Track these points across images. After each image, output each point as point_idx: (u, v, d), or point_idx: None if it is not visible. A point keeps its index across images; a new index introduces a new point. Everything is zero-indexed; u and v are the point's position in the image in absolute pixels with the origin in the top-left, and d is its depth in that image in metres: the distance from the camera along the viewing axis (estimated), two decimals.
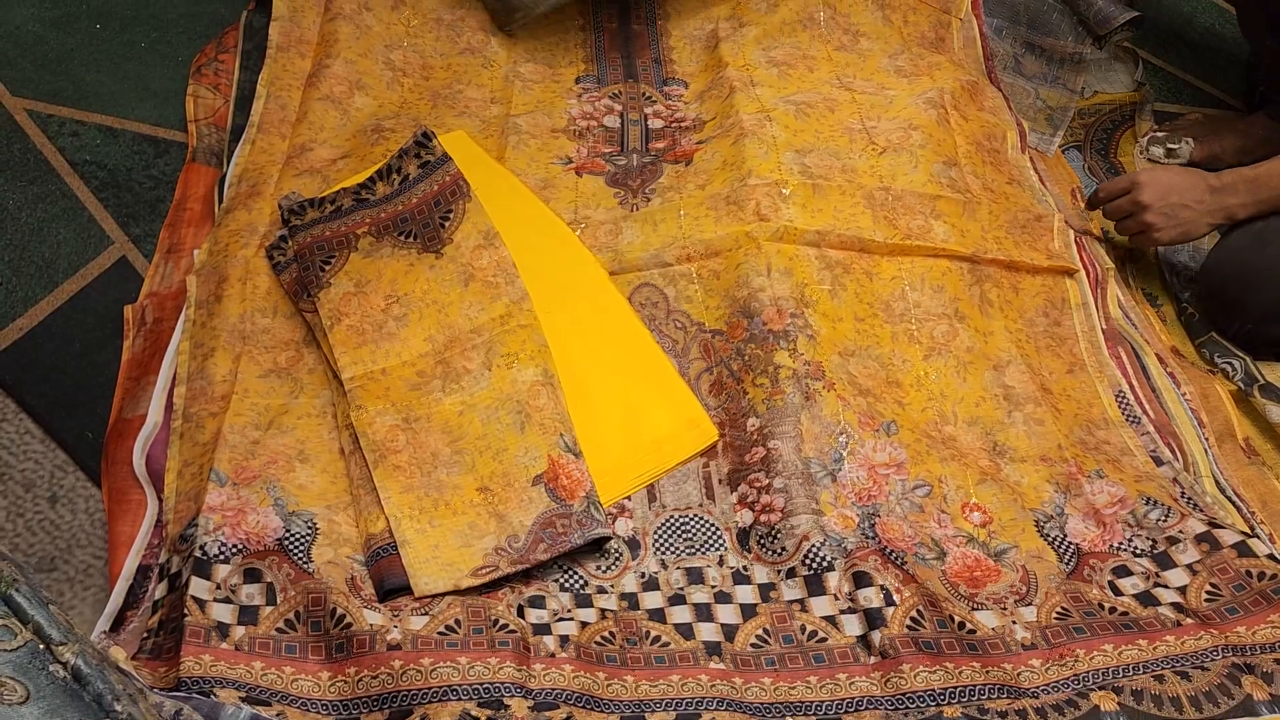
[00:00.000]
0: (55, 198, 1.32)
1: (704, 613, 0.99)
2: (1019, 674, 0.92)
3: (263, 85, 1.40)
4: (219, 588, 0.93)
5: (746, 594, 1.01)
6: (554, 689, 0.89)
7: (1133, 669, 0.93)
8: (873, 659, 0.94)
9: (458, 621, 0.93)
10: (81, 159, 1.37)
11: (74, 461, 1.11)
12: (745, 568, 1.03)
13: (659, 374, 1.15)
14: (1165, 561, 1.04)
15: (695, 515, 1.07)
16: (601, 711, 0.89)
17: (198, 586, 0.91)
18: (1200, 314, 1.32)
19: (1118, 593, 1.02)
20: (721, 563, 1.04)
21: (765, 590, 1.01)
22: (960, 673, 0.92)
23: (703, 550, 1.05)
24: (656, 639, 0.96)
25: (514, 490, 1.03)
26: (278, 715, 0.84)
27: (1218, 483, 1.15)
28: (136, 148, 1.40)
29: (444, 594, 0.96)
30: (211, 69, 1.46)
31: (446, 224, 1.18)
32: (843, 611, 0.98)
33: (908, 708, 0.90)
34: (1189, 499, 1.09)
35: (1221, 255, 1.27)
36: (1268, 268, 1.22)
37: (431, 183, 1.22)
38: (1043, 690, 0.92)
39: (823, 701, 0.92)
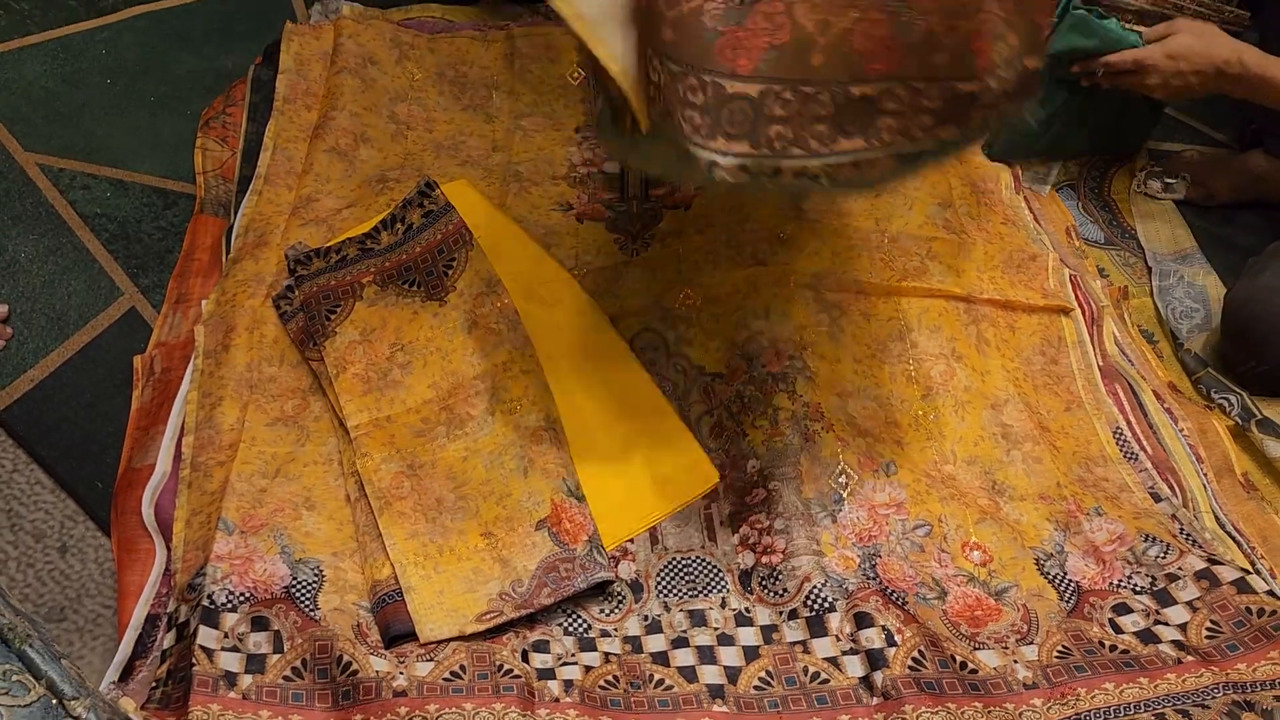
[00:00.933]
0: (66, 250, 1.35)
1: (707, 655, 0.99)
2: (1021, 714, 0.93)
3: (269, 137, 1.43)
4: (226, 636, 0.94)
5: (749, 636, 1.01)
6: None
7: (1134, 707, 0.94)
8: (875, 700, 0.95)
9: (462, 668, 0.93)
10: (92, 211, 1.40)
11: (84, 511, 1.12)
12: (748, 609, 1.04)
13: (660, 417, 1.16)
14: (1165, 599, 1.04)
15: (697, 557, 1.08)
16: None
17: (205, 635, 0.93)
18: (1199, 353, 1.33)
19: (1118, 630, 1.02)
20: (724, 604, 1.04)
21: (768, 632, 1.02)
22: (963, 713, 0.93)
23: (705, 592, 1.05)
24: (660, 682, 0.97)
25: (517, 535, 1.04)
26: None
27: (1217, 518, 1.16)
28: (146, 200, 1.43)
29: (449, 639, 0.97)
30: (219, 122, 1.49)
31: (450, 272, 1.21)
32: (844, 653, 0.99)
33: None
34: (1188, 535, 1.09)
35: (1248, 295, 1.26)
36: None
37: (435, 232, 1.24)
38: None
39: None
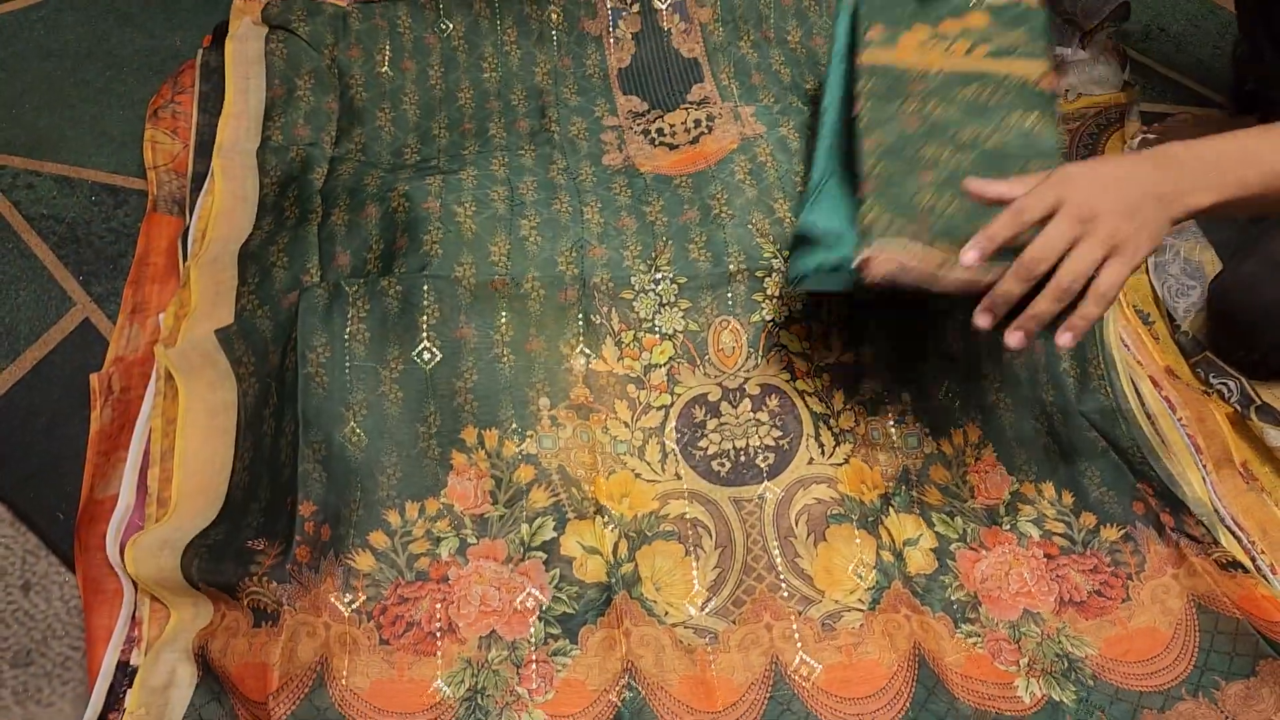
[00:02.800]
0: (13, 257, 1.28)
1: None
2: None
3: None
4: None
5: None
6: None
7: None
8: None
9: None
10: (38, 213, 1.32)
11: (46, 545, 1.07)
12: None
13: None
14: None
15: None
16: None
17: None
18: (1196, 334, 1.29)
19: None
20: None
21: None
22: None
23: None
24: None
25: None
26: None
27: (1217, 511, 1.13)
28: (95, 198, 1.35)
29: None
30: (169, 111, 1.41)
31: None
32: None
33: None
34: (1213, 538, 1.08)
35: (1232, 282, 1.22)
36: None
37: None
38: None
39: None
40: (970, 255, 0.89)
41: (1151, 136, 1.49)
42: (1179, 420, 1.20)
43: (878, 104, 1.12)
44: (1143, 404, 1.21)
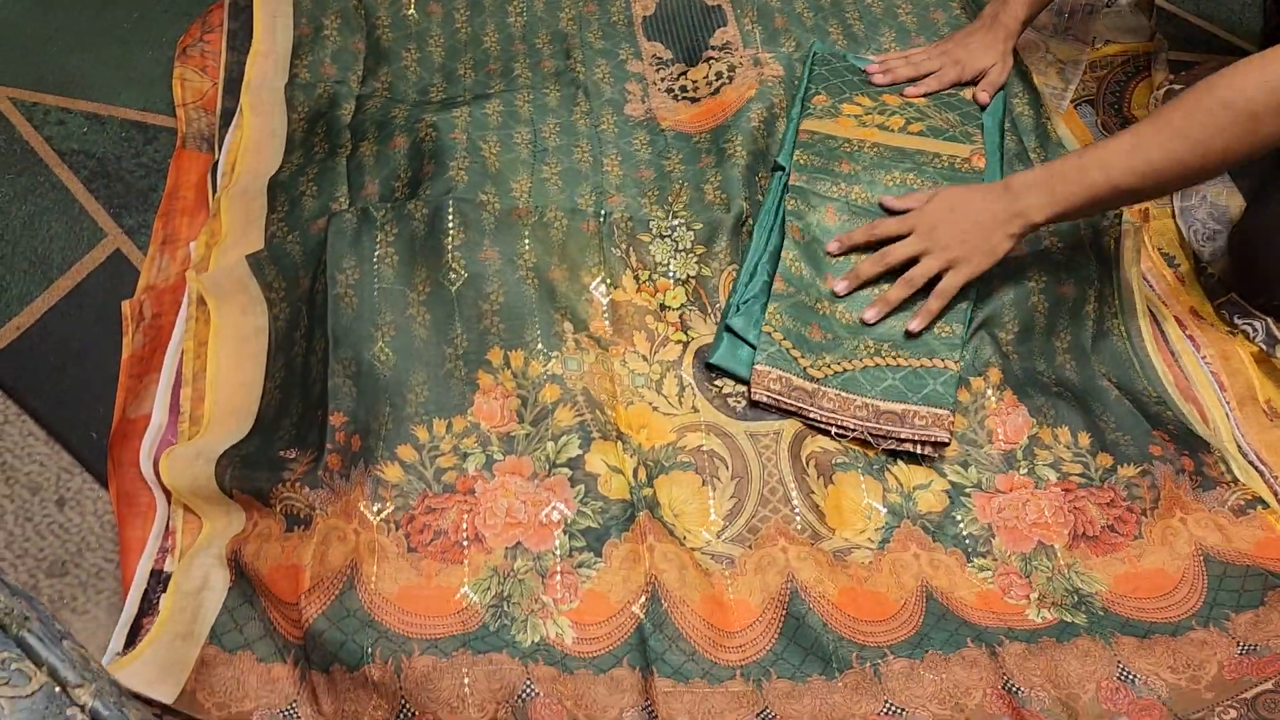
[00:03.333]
0: (45, 190, 1.29)
1: None
2: None
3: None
4: None
5: None
6: None
7: None
8: None
9: None
10: (69, 148, 1.34)
11: (80, 463, 1.09)
12: None
13: None
14: None
15: None
16: None
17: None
18: (1221, 276, 1.29)
19: None
20: None
21: None
22: None
23: None
24: None
25: None
26: None
27: (1239, 447, 1.14)
28: (125, 135, 1.36)
29: None
30: (197, 50, 1.42)
31: None
32: None
33: None
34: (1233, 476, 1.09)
35: (1255, 223, 1.22)
36: None
37: None
38: None
39: None
40: (840, 286, 1.14)
41: (1178, 86, 1.48)
42: (1203, 359, 1.20)
43: (808, 182, 1.21)
44: (1166, 342, 1.21)
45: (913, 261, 1.11)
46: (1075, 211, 1.06)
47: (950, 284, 1.10)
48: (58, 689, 0.51)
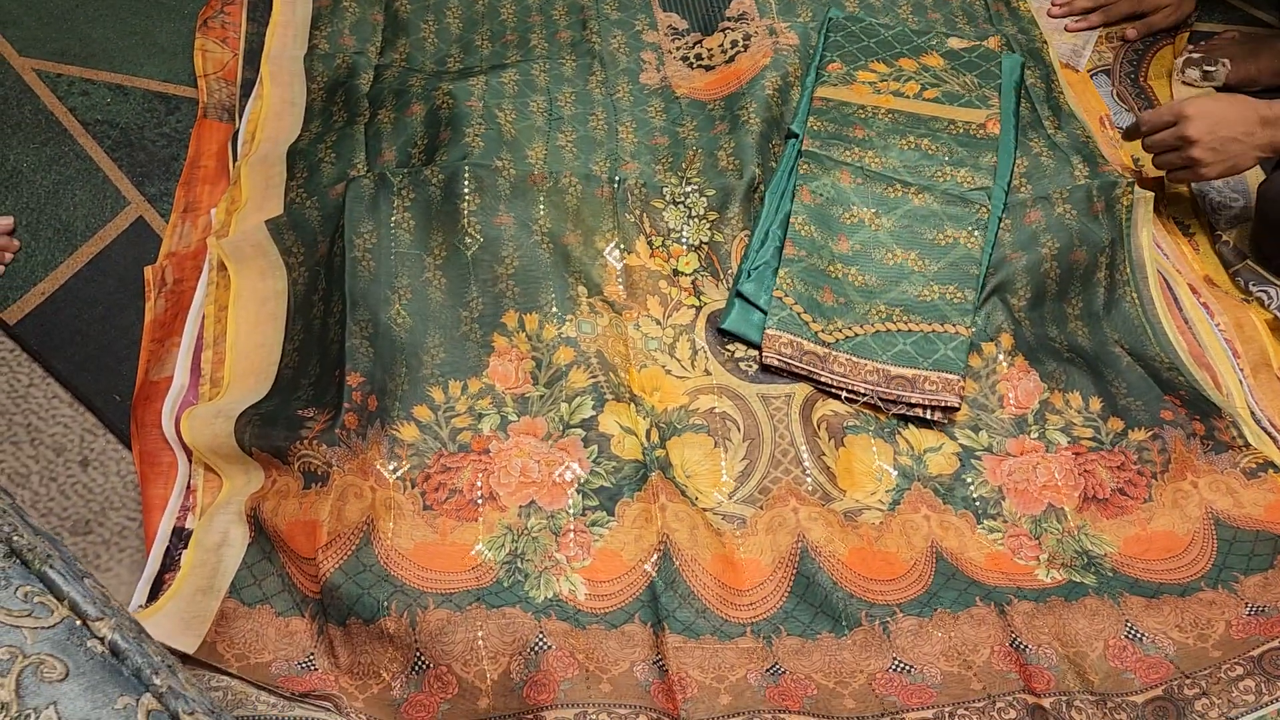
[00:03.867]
0: (69, 159, 1.31)
1: None
2: None
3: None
4: None
5: None
6: None
7: None
8: None
9: None
10: (93, 118, 1.36)
11: (103, 424, 1.11)
12: None
13: None
14: None
15: None
16: None
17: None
18: (1237, 244, 1.29)
19: None
20: None
21: None
22: None
23: None
24: None
25: None
26: None
27: (1253, 413, 1.13)
28: (147, 105, 1.38)
29: None
30: (218, 21, 1.44)
31: None
32: None
33: None
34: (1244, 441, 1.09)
35: None
36: None
37: None
38: None
39: None
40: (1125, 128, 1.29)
41: (1196, 55, 1.47)
42: (1216, 326, 1.20)
43: (821, 147, 1.21)
44: (1180, 309, 1.21)
45: None
46: None
47: (1178, 179, 1.25)
48: (78, 622, 0.53)
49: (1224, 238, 1.30)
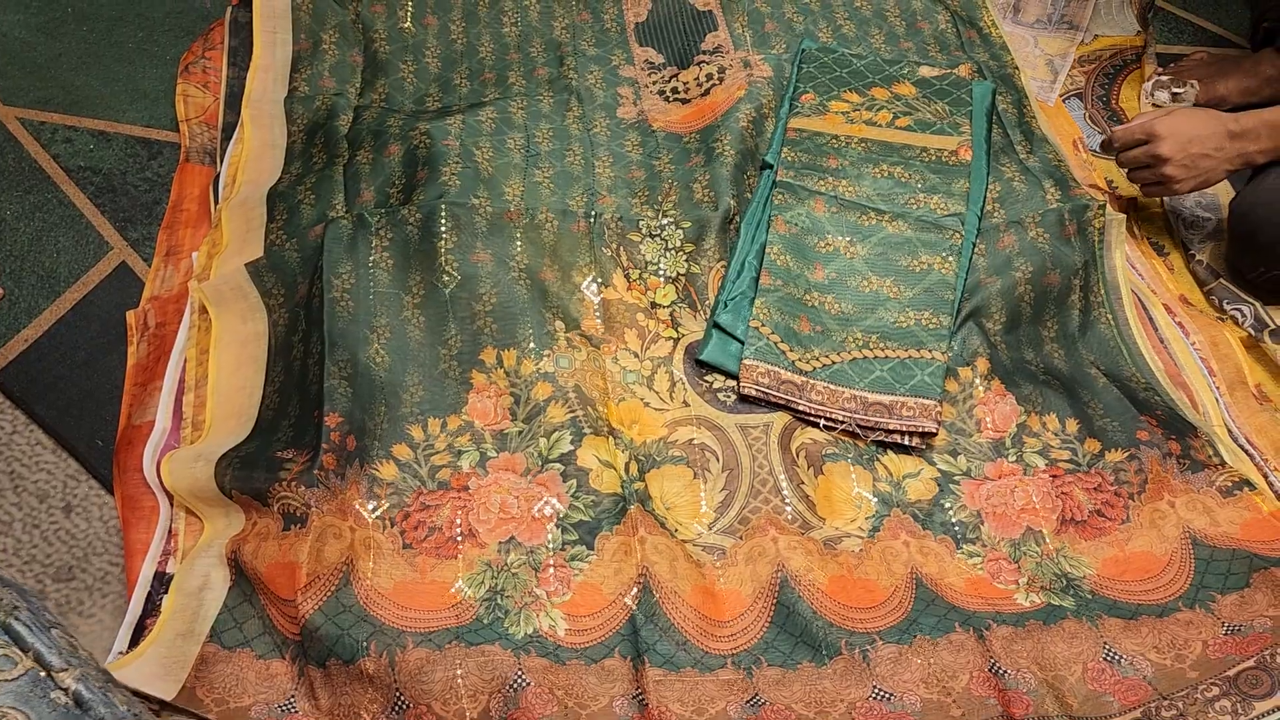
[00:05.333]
0: (52, 206, 1.33)
1: None
2: None
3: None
4: None
5: None
6: None
7: None
8: None
9: None
10: (76, 165, 1.37)
11: (86, 470, 1.12)
12: None
13: None
14: None
15: None
16: None
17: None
18: (1211, 263, 1.30)
19: None
20: None
21: None
22: None
23: None
24: None
25: None
26: None
27: (1230, 431, 1.14)
28: (130, 151, 1.40)
29: None
30: (200, 67, 1.45)
31: None
32: None
33: None
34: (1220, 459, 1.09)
35: (1255, 198, 1.23)
36: None
37: None
38: None
39: None
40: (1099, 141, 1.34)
41: (1165, 78, 1.49)
42: (1192, 344, 1.21)
43: (795, 178, 1.23)
44: (1155, 329, 1.22)
45: None
46: None
47: (1150, 194, 1.27)
48: (43, 673, 0.53)
49: (1198, 256, 1.31)
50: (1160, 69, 1.53)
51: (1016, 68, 1.46)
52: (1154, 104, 1.48)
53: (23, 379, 1.17)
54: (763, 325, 1.11)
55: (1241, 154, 1.20)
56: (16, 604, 0.55)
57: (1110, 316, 1.21)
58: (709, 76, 1.39)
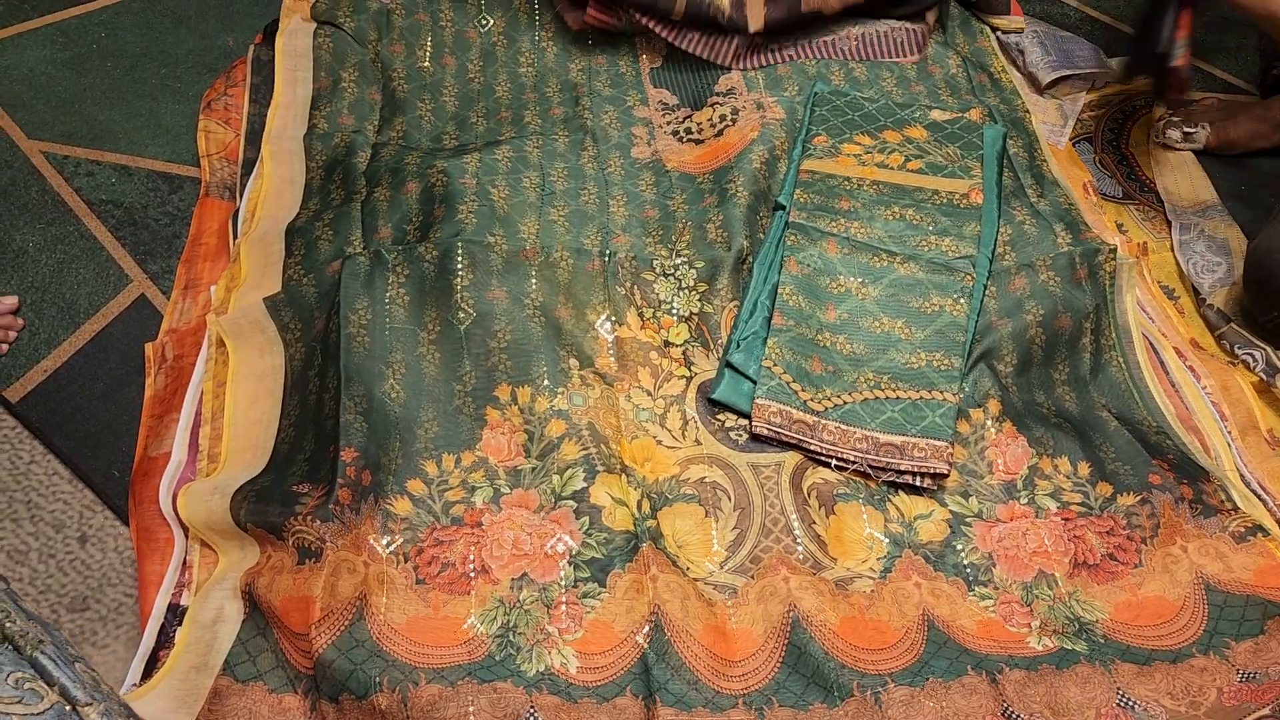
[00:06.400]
0: (74, 239, 1.35)
1: None
2: None
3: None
4: None
5: None
6: None
7: None
8: None
9: None
10: (98, 199, 1.39)
11: (102, 501, 1.13)
12: None
13: None
14: None
15: None
16: None
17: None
18: (1222, 308, 1.30)
19: None
20: None
21: None
22: None
23: None
24: None
25: None
26: None
27: (1242, 476, 1.14)
28: (151, 185, 1.42)
29: None
30: (221, 103, 1.48)
31: None
32: None
33: None
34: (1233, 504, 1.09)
35: (1271, 244, 1.23)
36: None
37: None
38: None
39: None
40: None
41: (1177, 118, 1.51)
42: (1203, 389, 1.21)
43: (807, 219, 1.24)
44: (1167, 373, 1.22)
45: None
46: None
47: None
48: (68, 707, 0.53)
49: (1209, 301, 1.32)
50: (1169, 112, 1.54)
51: (1027, 111, 1.48)
52: (1164, 143, 1.49)
53: (42, 409, 1.18)
54: (775, 365, 1.12)
55: None
56: (41, 638, 0.55)
57: (1121, 360, 1.21)
58: (722, 118, 1.41)
